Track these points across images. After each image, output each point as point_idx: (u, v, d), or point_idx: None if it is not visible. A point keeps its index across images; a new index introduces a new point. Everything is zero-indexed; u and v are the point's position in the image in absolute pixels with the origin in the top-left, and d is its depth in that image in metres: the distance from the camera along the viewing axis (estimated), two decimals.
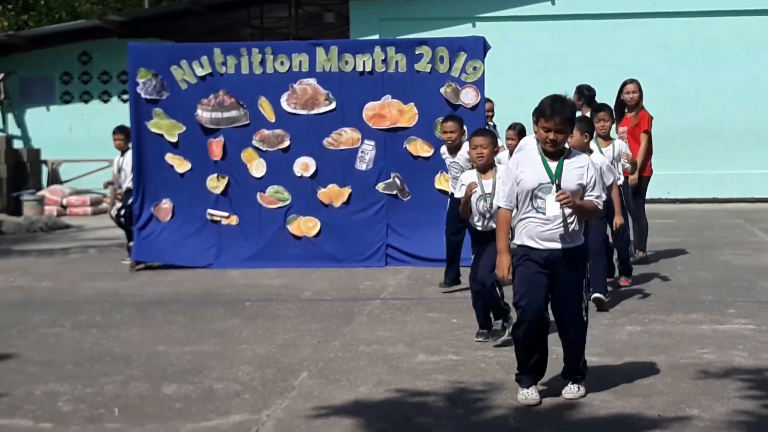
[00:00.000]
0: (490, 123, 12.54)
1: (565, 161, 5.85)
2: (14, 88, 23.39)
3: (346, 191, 11.92)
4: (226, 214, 12.01)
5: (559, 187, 5.77)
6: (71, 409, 6.02)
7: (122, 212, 12.55)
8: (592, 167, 5.92)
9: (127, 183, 12.53)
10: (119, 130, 12.76)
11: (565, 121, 5.78)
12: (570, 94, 11.22)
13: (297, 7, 22.21)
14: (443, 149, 10.15)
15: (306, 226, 11.93)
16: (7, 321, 8.85)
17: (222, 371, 6.85)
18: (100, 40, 22.73)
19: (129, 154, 12.49)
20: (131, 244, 12.28)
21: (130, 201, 12.38)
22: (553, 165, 5.83)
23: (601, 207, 5.96)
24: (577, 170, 5.85)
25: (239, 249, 11.89)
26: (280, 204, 11.96)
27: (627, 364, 6.85)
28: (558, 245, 5.81)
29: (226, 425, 5.66)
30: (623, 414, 5.73)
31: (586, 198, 5.86)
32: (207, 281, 10.93)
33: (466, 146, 9.40)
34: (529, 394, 5.93)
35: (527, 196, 5.83)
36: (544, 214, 5.80)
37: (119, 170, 12.76)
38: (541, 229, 5.81)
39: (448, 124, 9.88)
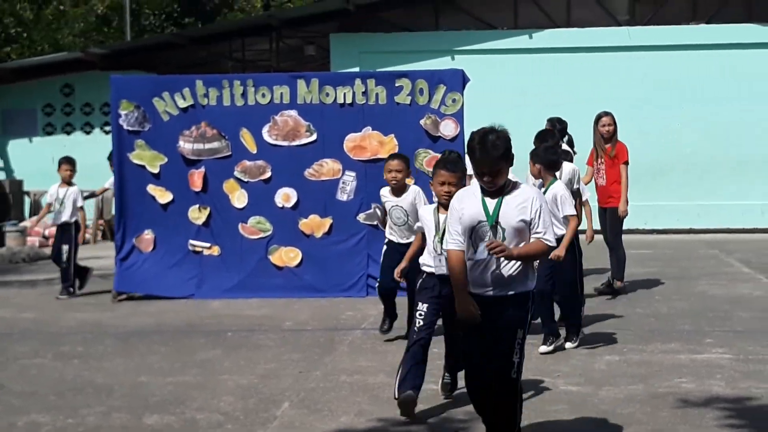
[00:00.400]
0: None
1: (506, 198, 5.24)
2: None
3: (328, 222, 11.98)
4: (208, 244, 12.05)
5: (496, 227, 5.19)
6: None
7: (63, 255, 12.45)
8: (537, 200, 5.26)
9: (65, 217, 12.46)
10: (67, 161, 12.69)
11: (496, 161, 5.17)
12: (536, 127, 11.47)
13: (278, 40, 22.36)
14: (385, 191, 9.28)
15: (287, 256, 11.98)
16: None
17: (204, 401, 6.87)
18: (82, 72, 22.81)
19: (74, 188, 12.50)
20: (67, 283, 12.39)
21: (65, 239, 12.44)
22: (491, 203, 5.24)
23: (552, 243, 5.28)
24: (518, 206, 5.22)
25: (221, 279, 11.94)
26: (262, 234, 12.02)
27: (606, 394, 6.91)
28: (490, 291, 5.23)
29: None
30: None
31: (532, 236, 5.24)
32: (189, 312, 10.94)
33: (413, 189, 9.12)
34: None
35: (468, 235, 5.25)
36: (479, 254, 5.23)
37: (61, 203, 12.48)
38: (474, 272, 5.24)
39: (394, 162, 9.08)
